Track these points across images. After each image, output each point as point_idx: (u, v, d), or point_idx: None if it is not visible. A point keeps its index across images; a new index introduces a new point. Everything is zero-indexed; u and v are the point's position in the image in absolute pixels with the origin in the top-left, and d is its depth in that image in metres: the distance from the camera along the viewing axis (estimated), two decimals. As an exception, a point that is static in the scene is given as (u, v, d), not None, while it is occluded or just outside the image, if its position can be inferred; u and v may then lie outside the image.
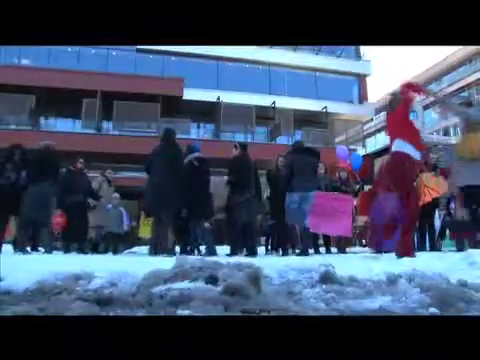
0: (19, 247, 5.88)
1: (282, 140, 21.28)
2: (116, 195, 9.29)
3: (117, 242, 9.14)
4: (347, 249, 7.78)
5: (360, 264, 3.13)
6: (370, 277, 2.19)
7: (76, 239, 7.14)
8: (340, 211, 6.82)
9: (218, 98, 20.61)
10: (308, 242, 6.23)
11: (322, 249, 7.83)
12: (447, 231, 8.63)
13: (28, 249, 6.18)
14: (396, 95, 4.25)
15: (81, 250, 6.93)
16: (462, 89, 31.13)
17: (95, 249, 8.07)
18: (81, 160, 7.54)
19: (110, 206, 9.09)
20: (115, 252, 8.32)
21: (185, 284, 1.68)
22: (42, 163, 6.01)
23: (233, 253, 6.05)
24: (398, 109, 4.13)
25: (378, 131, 32.46)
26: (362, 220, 9.38)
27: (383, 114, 31.04)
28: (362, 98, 23.45)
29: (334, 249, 7.98)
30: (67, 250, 6.80)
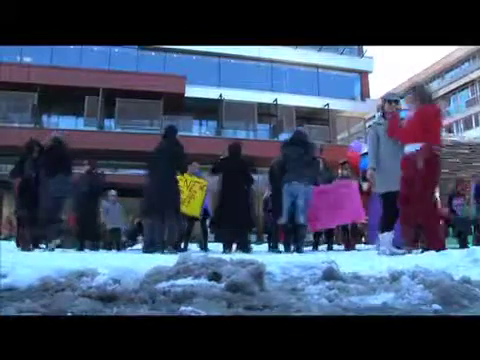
0: (24, 246, 5.86)
1: (284, 137, 21.23)
2: (113, 192, 9.38)
3: (120, 238, 9.29)
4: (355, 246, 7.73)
5: (363, 261, 3.13)
6: (373, 274, 2.19)
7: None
8: (348, 195, 6.75)
9: (220, 95, 20.60)
10: (302, 240, 6.05)
11: (324, 246, 7.81)
12: (449, 229, 8.60)
13: (30, 246, 6.17)
14: (426, 89, 4.23)
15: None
16: (465, 86, 31.03)
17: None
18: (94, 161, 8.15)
19: (108, 204, 9.20)
20: (118, 248, 8.46)
21: (188, 281, 1.68)
22: (54, 156, 5.94)
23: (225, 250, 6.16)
24: (432, 109, 4.16)
25: (380, 128, 32.28)
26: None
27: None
28: (364, 95, 23.40)
29: (341, 246, 7.94)
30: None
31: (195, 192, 7.28)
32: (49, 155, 5.97)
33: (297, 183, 5.67)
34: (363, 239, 10.21)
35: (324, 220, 6.68)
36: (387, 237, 4.35)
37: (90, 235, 7.54)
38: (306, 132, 6.53)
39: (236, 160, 6.42)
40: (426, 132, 3.95)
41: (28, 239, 6.13)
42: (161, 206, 5.63)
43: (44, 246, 6.01)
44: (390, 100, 4.88)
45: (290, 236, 6.24)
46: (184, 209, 7.18)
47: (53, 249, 5.71)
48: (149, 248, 5.55)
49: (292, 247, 6.14)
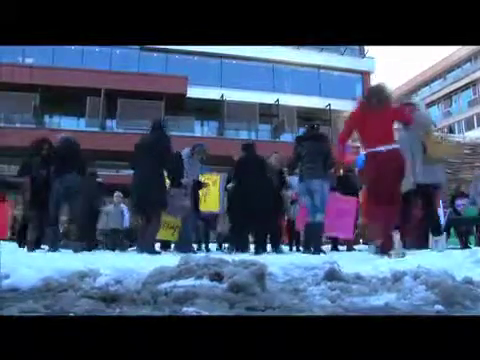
0: (29, 247, 5.84)
1: (286, 137, 21.29)
2: (118, 194, 9.68)
3: (121, 238, 9.61)
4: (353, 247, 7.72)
5: (365, 261, 3.12)
6: (375, 274, 2.19)
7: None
8: (346, 211, 6.71)
9: (222, 96, 20.60)
10: (319, 239, 5.80)
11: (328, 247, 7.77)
12: (451, 229, 8.56)
13: (33, 247, 6.15)
14: (387, 92, 4.14)
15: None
16: (467, 86, 30.96)
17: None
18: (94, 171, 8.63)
19: (111, 206, 9.62)
20: (121, 249, 8.64)
21: (190, 281, 1.68)
22: (68, 155, 5.84)
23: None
24: (400, 110, 4.21)
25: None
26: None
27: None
28: (366, 95, 23.34)
29: (343, 247, 7.92)
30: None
31: (209, 188, 7.10)
32: (62, 154, 5.86)
33: (314, 180, 5.44)
34: (361, 240, 10.21)
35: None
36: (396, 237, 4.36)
37: (86, 238, 7.82)
38: (318, 126, 6.29)
39: (252, 159, 6.06)
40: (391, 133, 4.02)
41: (33, 240, 6.10)
42: (144, 205, 5.39)
43: (46, 247, 6.00)
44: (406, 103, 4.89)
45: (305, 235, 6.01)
46: (200, 207, 7.05)
47: (57, 249, 5.69)
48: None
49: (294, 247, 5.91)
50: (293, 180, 6.73)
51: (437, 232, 4.52)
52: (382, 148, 3.90)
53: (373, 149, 3.97)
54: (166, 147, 5.46)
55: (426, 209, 4.67)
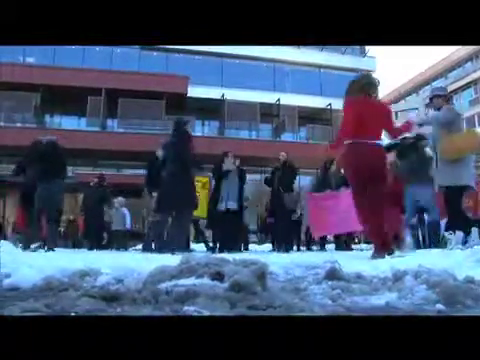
0: (26, 245, 5.88)
1: (286, 137, 21.28)
2: (120, 199, 10.40)
3: (123, 240, 10.33)
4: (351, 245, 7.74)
5: (366, 261, 3.12)
6: (376, 274, 2.19)
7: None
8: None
9: (222, 95, 20.59)
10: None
11: (331, 246, 7.80)
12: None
13: (32, 246, 6.18)
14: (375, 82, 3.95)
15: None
16: (468, 85, 30.90)
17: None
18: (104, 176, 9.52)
19: (113, 210, 10.35)
20: (124, 249, 9.12)
21: (191, 280, 1.68)
22: (49, 160, 5.94)
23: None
24: (383, 103, 4.14)
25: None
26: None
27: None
28: (367, 95, 23.30)
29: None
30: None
31: (198, 192, 6.76)
32: (44, 158, 5.98)
33: (419, 186, 5.61)
34: (356, 239, 10.25)
35: (331, 226, 6.67)
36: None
37: (94, 237, 8.93)
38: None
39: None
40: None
41: (29, 239, 6.17)
42: (171, 206, 5.44)
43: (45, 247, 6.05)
44: (439, 95, 4.81)
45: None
46: None
47: (53, 249, 5.74)
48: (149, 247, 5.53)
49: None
50: (304, 181, 6.84)
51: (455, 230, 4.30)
52: (363, 140, 3.69)
53: (353, 140, 3.74)
54: (182, 146, 5.48)
55: (448, 212, 4.57)
